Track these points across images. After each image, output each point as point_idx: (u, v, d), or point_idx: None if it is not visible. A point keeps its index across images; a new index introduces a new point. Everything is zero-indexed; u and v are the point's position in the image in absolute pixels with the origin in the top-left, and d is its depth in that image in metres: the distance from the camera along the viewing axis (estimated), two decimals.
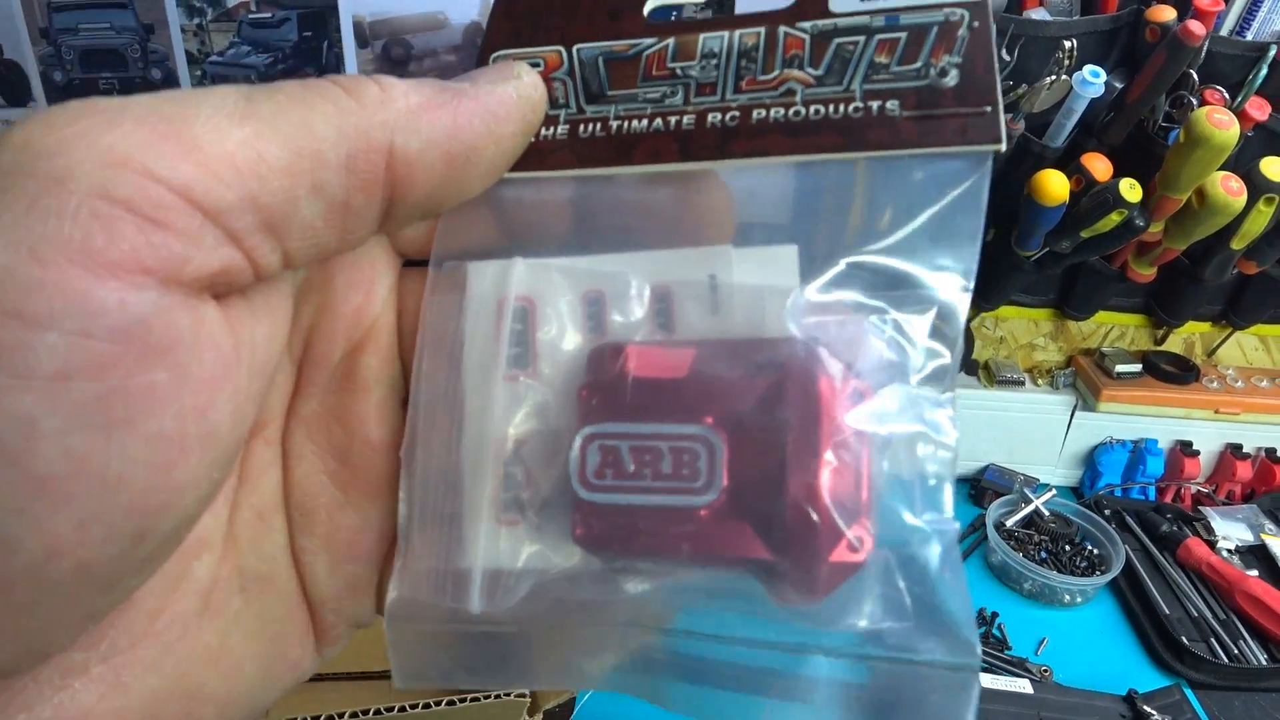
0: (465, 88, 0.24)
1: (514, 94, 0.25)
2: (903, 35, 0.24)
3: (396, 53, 1.10)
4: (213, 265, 0.19)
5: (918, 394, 0.25)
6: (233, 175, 0.19)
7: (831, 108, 0.24)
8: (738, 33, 0.25)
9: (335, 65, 1.11)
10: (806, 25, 0.25)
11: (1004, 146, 0.23)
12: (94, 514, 0.18)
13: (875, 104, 0.24)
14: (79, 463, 0.17)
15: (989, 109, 0.23)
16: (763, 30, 0.25)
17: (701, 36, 0.25)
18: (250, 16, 1.10)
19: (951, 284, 0.24)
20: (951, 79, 0.23)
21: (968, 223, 0.24)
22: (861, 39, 0.24)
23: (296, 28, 1.10)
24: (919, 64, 0.24)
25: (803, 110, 0.24)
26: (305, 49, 1.11)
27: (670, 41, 0.26)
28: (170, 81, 1.13)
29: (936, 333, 0.25)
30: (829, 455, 0.23)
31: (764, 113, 0.25)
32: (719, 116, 0.25)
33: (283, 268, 0.22)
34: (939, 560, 0.24)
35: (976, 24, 0.23)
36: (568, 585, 0.26)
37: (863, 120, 0.24)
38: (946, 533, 0.24)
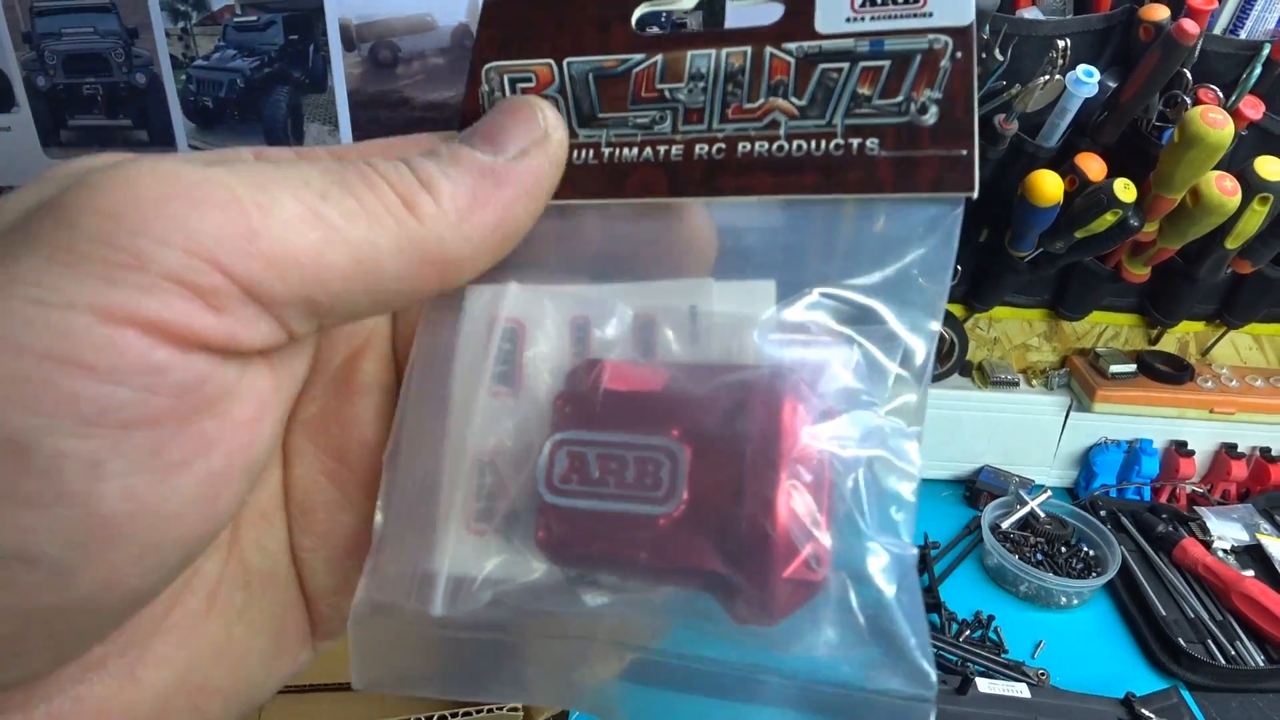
0: (499, 168, 0.24)
1: (547, 165, 0.26)
2: (886, 64, 0.24)
3: (384, 56, 1.09)
4: (263, 342, 0.21)
5: (884, 423, 0.25)
6: (295, 276, 0.20)
7: (813, 144, 0.25)
8: (725, 51, 0.26)
9: (321, 69, 1.10)
10: (792, 47, 0.25)
11: (975, 194, 0.24)
12: (149, 547, 0.20)
13: (855, 141, 0.25)
14: (139, 501, 0.19)
15: (964, 153, 0.24)
16: (749, 50, 0.26)
17: (689, 54, 0.26)
18: (235, 20, 1.09)
19: (919, 322, 0.25)
20: (930, 117, 0.24)
21: (938, 263, 0.25)
22: (845, 65, 0.25)
23: (282, 31, 1.09)
24: (900, 98, 0.24)
25: (786, 145, 0.25)
26: (291, 52, 1.10)
27: (659, 59, 0.26)
28: (155, 86, 1.12)
29: (904, 367, 0.25)
30: (788, 473, 0.24)
31: (749, 146, 0.26)
32: (706, 148, 0.26)
33: (316, 331, 0.24)
34: (897, 587, 0.24)
35: (959, 54, 0.24)
36: (529, 596, 0.27)
37: (843, 159, 0.25)
38: (904, 559, 0.24)
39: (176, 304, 0.19)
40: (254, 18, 1.09)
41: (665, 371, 0.27)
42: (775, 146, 0.25)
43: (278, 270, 0.20)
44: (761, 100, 0.25)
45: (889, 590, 0.24)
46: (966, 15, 0.24)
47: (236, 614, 0.27)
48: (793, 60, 0.25)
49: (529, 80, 0.27)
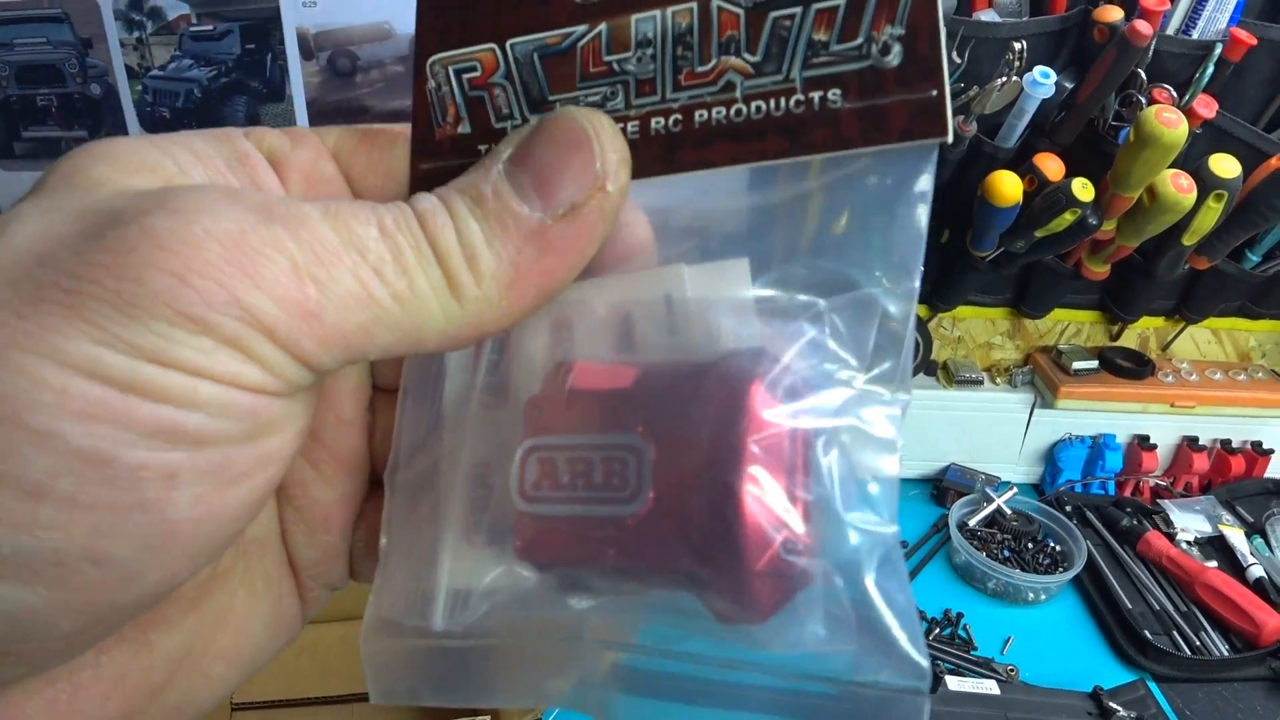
0: (547, 232, 0.23)
1: (600, 225, 0.24)
2: (841, 2, 0.22)
3: (342, 64, 1.08)
4: (309, 384, 0.23)
5: (863, 393, 0.24)
6: (340, 348, 0.22)
7: (773, 103, 0.23)
8: (670, 11, 0.24)
9: (279, 78, 1.09)
10: None
11: (950, 137, 0.22)
12: (205, 546, 0.22)
13: (817, 95, 0.23)
14: (205, 508, 0.21)
15: (934, 93, 0.22)
16: (695, 6, 0.24)
17: (633, 19, 0.24)
18: (191, 29, 1.08)
19: (897, 283, 0.24)
20: (894, 57, 0.22)
21: (912, 219, 0.23)
22: (798, 11, 0.23)
23: (239, 40, 1.08)
24: (859, 40, 0.22)
25: (744, 108, 0.24)
26: (248, 62, 1.09)
27: (602, 28, 0.25)
28: (111, 96, 1.11)
29: (883, 333, 0.24)
30: (753, 457, 0.23)
31: (706, 114, 0.24)
32: (662, 122, 0.24)
33: None
34: (877, 571, 0.23)
35: None
36: (521, 603, 0.27)
37: (804, 116, 0.23)
38: (884, 538, 0.23)
39: (234, 365, 0.20)
40: (210, 27, 1.07)
41: (635, 367, 0.26)
42: (733, 111, 0.24)
43: (327, 346, 0.22)
44: (714, 61, 0.24)
45: (868, 575, 0.23)
46: None
47: (238, 580, 0.28)
48: (741, 11, 0.23)
49: (474, 70, 0.26)
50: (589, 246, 0.24)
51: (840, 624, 0.23)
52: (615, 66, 0.25)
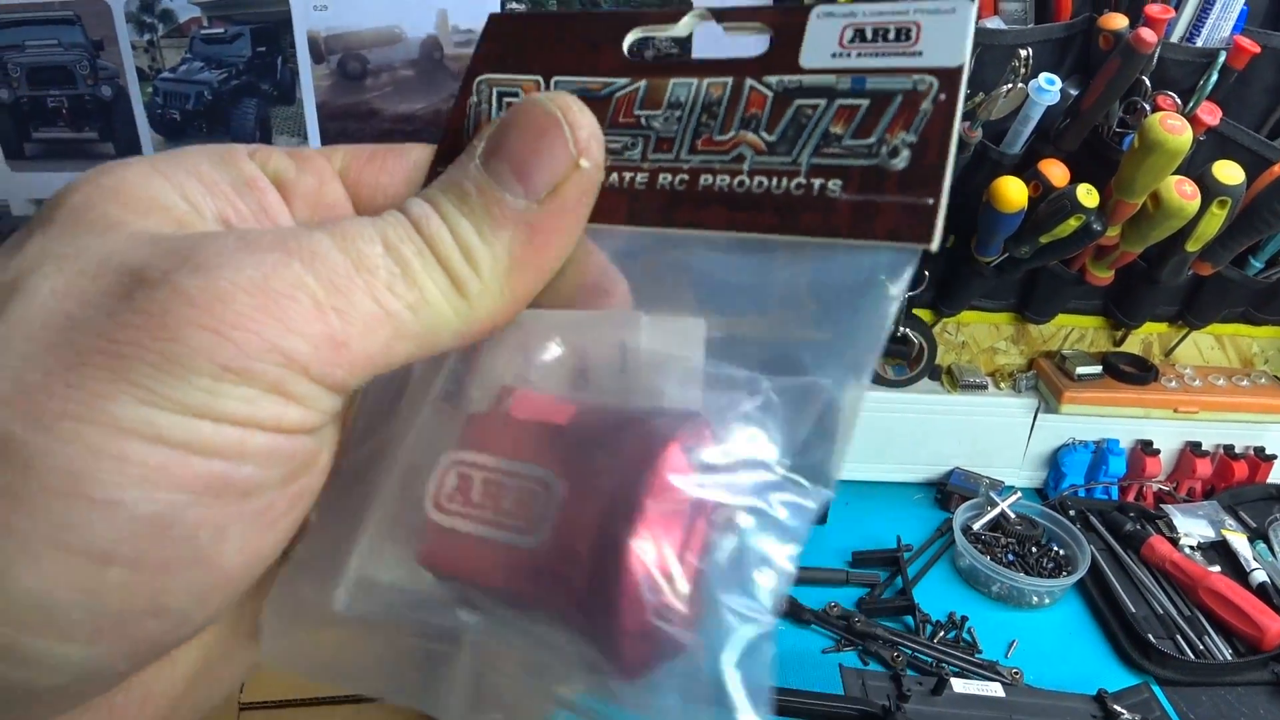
0: (533, 218, 0.24)
1: (583, 199, 0.25)
2: (864, 103, 0.23)
3: (352, 68, 1.08)
4: (336, 412, 0.24)
5: (782, 480, 0.24)
6: (366, 368, 0.23)
7: (775, 181, 0.24)
8: (706, 81, 0.25)
9: (290, 81, 1.10)
10: (773, 80, 0.25)
11: (935, 247, 0.22)
12: (245, 585, 0.23)
13: (818, 182, 0.24)
14: (250, 554, 0.22)
15: (930, 201, 0.22)
16: (730, 81, 0.25)
17: (671, 82, 0.26)
18: (203, 32, 1.08)
19: (846, 379, 0.24)
20: (901, 161, 0.23)
21: (877, 319, 0.23)
22: (822, 102, 0.24)
23: (250, 43, 1.08)
24: (872, 139, 0.23)
25: (747, 181, 0.25)
26: (259, 65, 1.09)
27: (641, 85, 0.26)
28: (121, 98, 1.11)
29: (821, 424, 0.24)
30: (651, 520, 0.23)
31: (711, 179, 0.25)
32: (670, 179, 0.26)
33: None
34: (746, 659, 0.23)
35: (943, 97, 0.23)
36: (416, 605, 0.27)
37: (801, 199, 0.24)
38: (762, 626, 0.23)
39: (277, 409, 0.21)
40: (221, 30, 1.08)
41: (573, 407, 0.26)
42: (736, 182, 0.25)
43: (356, 370, 0.22)
44: (732, 133, 0.25)
45: (732, 661, 0.23)
46: (959, 56, 0.23)
47: (249, 592, 0.28)
48: (770, 94, 0.25)
49: (515, 95, 0.27)
50: (575, 224, 0.25)
51: (696, 701, 0.23)
52: (643, 120, 0.26)
